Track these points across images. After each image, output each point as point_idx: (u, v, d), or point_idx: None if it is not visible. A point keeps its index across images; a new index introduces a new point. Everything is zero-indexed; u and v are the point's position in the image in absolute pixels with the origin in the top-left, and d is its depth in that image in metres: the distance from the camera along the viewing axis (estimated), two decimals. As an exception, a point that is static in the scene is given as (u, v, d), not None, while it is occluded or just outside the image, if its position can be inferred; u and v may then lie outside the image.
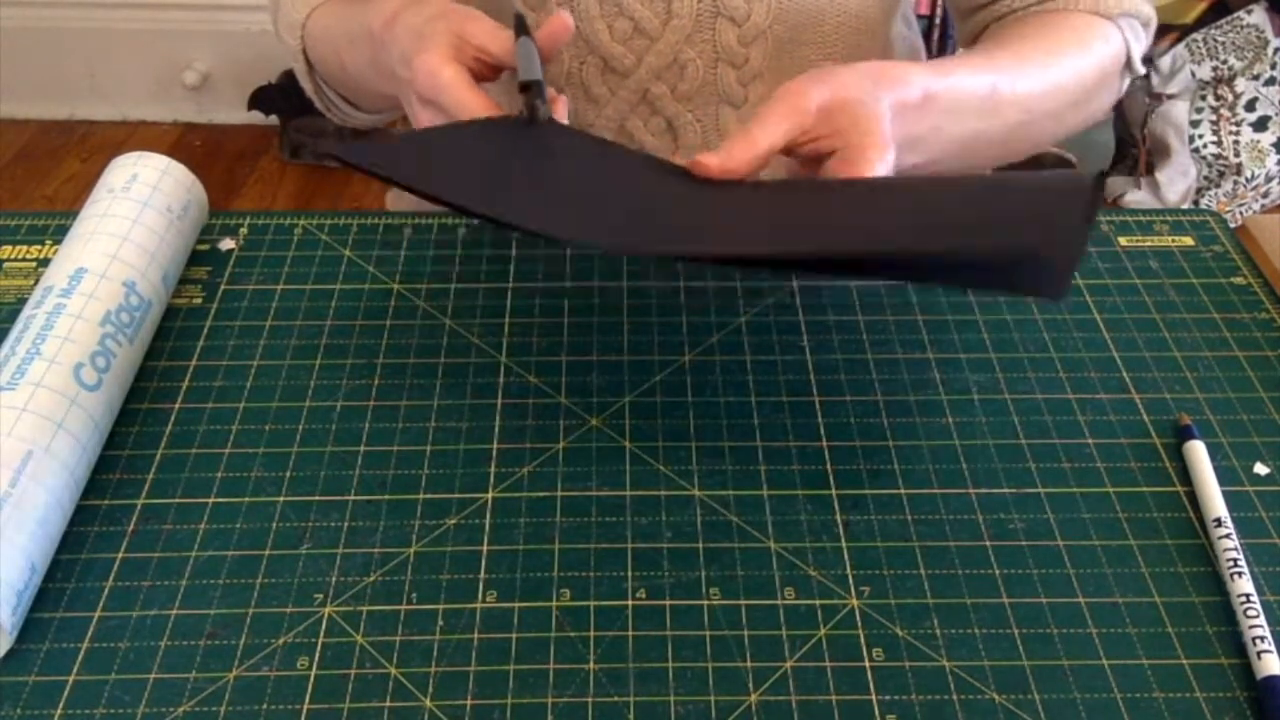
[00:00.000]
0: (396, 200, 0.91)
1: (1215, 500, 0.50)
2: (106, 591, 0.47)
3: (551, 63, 0.72)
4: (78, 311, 0.53)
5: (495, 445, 0.53)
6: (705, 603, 0.47)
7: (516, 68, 0.58)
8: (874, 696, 0.43)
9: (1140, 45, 0.71)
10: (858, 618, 0.46)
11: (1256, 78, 1.79)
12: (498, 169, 0.55)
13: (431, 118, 0.59)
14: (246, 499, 0.51)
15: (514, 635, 0.45)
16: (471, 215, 0.62)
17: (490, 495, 0.51)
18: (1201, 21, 1.78)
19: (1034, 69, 0.64)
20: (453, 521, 0.50)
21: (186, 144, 2.14)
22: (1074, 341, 0.59)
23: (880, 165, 0.54)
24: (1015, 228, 0.47)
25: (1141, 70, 0.71)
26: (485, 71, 0.60)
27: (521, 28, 0.60)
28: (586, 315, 0.60)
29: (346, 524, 0.50)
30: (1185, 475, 0.52)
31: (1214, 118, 1.82)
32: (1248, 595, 0.46)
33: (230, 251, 0.64)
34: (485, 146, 0.56)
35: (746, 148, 0.54)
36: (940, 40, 1.76)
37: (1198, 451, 0.52)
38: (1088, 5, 0.68)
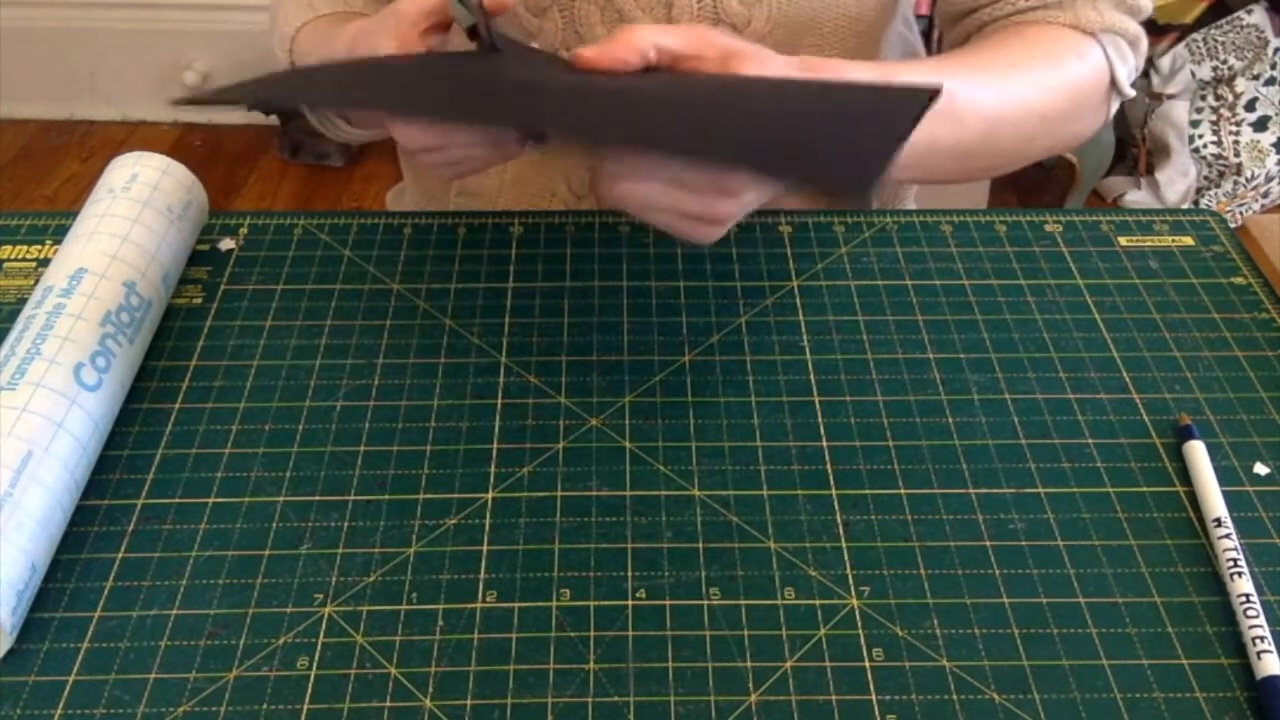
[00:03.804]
0: (396, 200, 0.91)
1: (1215, 500, 0.50)
2: (106, 591, 0.47)
3: (539, 42, 0.72)
4: (78, 311, 0.53)
5: (495, 445, 0.53)
6: (705, 603, 0.47)
7: (455, 18, 0.57)
8: (874, 696, 0.43)
9: (1127, 66, 0.66)
10: (858, 618, 0.46)
11: (1256, 78, 1.79)
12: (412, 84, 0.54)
13: (415, 132, 0.58)
14: (246, 499, 0.51)
15: (514, 635, 0.45)
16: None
17: (490, 495, 0.51)
18: (1201, 21, 1.78)
19: (992, 77, 0.60)
20: (453, 521, 0.50)
21: (186, 144, 2.13)
22: (1074, 341, 0.59)
23: (751, 60, 0.51)
24: (837, 131, 0.46)
25: (1130, 93, 0.67)
26: (438, 36, 0.59)
27: None
28: (586, 315, 0.60)
29: (346, 524, 0.50)
30: (1185, 475, 0.52)
31: (1214, 118, 1.82)
32: (1248, 595, 0.46)
33: (230, 251, 0.64)
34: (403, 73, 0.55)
35: (626, 38, 0.52)
36: (940, 40, 1.76)
37: (1198, 451, 0.52)
38: (1067, 19, 0.64)
